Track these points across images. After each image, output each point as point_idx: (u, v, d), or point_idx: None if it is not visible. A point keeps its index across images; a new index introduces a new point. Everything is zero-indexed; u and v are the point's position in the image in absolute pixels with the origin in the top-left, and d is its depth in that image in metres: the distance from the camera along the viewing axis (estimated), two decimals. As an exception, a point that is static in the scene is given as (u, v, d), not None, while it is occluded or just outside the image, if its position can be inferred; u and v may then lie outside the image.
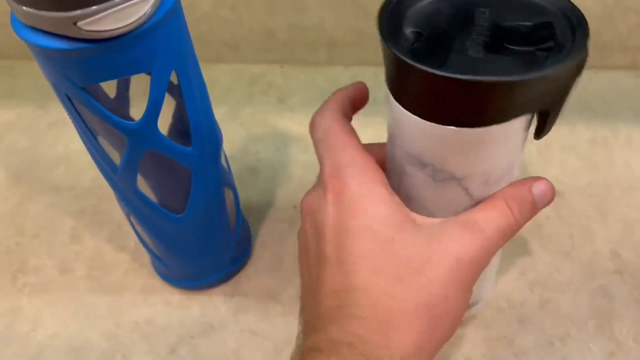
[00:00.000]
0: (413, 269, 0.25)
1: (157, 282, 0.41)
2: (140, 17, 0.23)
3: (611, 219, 0.43)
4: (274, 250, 0.43)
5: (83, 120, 0.27)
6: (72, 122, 0.29)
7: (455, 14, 0.25)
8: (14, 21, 0.24)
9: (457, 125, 0.24)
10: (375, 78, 0.56)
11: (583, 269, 0.40)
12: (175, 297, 0.40)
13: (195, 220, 0.34)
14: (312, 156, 0.49)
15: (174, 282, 0.40)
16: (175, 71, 0.27)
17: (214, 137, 0.32)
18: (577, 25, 0.24)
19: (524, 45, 0.23)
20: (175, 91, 0.29)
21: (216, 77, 0.54)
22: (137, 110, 0.30)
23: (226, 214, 0.36)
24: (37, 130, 0.52)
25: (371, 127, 0.34)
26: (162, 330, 0.39)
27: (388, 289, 0.24)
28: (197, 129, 0.30)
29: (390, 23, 0.24)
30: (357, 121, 0.31)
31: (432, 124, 0.24)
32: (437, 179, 0.27)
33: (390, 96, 0.26)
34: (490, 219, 0.26)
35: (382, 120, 0.28)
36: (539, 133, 0.26)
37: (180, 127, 0.32)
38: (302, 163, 0.49)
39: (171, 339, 0.38)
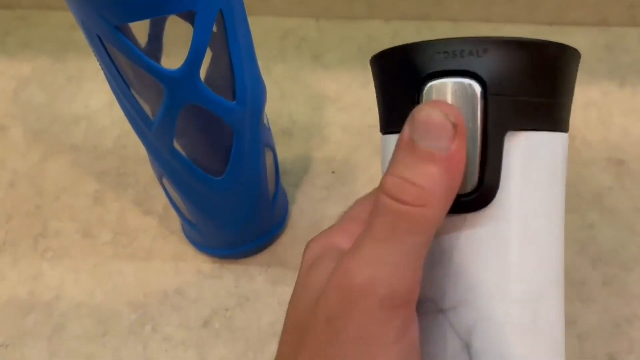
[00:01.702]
0: None
1: (188, 249, 0.38)
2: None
3: (681, 191, 0.39)
4: (311, 217, 0.40)
5: (116, 67, 0.24)
6: (103, 70, 0.25)
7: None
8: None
9: None
10: (418, 33, 0.52)
11: (651, 245, 0.37)
12: (207, 266, 0.37)
13: (234, 183, 0.30)
14: (349, 117, 0.46)
15: (207, 249, 0.37)
16: (221, 11, 0.23)
17: (258, 92, 0.28)
18: None
19: None
20: (215, 40, 0.26)
21: (246, 31, 0.50)
22: (168, 63, 0.27)
23: (266, 177, 0.33)
24: (56, 84, 0.49)
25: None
26: (194, 302, 0.36)
27: None
28: (241, 81, 0.26)
29: None
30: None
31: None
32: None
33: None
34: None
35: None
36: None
37: (218, 82, 0.29)
38: (340, 125, 0.45)
39: (204, 311, 0.35)
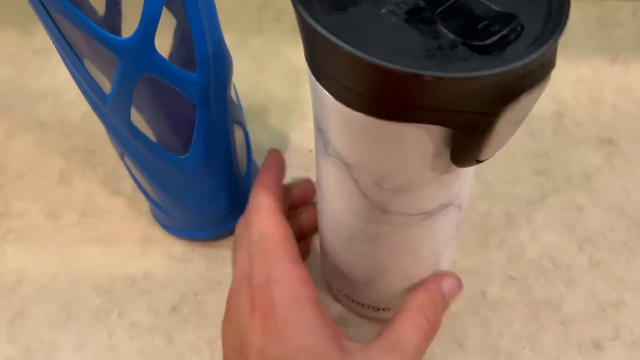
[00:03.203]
0: None
1: (158, 232, 0.36)
2: None
3: (672, 172, 0.38)
4: (288, 198, 0.38)
5: (64, 38, 0.22)
6: (52, 41, 0.23)
7: None
8: None
9: (337, 99, 0.18)
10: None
11: (639, 227, 0.36)
12: (177, 249, 0.36)
13: (200, 162, 0.29)
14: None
15: (177, 232, 0.35)
16: (177, -28, 0.21)
17: (222, 63, 0.26)
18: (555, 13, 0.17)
19: (468, 24, 0.17)
20: (177, 7, 0.24)
21: (221, 0, 0.48)
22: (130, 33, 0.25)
23: (235, 156, 0.31)
24: (21, 58, 0.46)
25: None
26: (163, 286, 0.34)
27: None
28: (202, 51, 0.24)
29: None
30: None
31: (319, 85, 0.19)
32: (329, 152, 0.21)
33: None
34: (410, 336, 0.25)
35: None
36: (455, 159, 0.19)
37: (184, 53, 0.27)
38: (320, 101, 0.43)
39: (173, 296, 0.34)
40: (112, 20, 0.26)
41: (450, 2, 0.17)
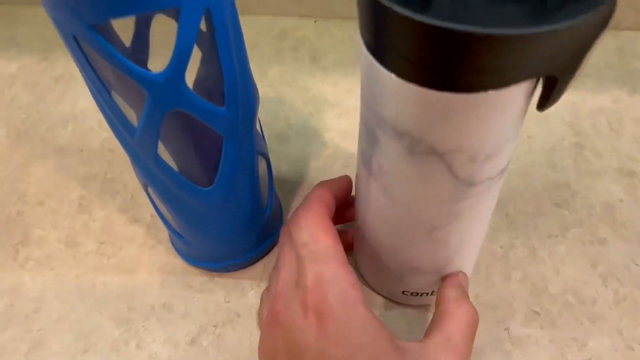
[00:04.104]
0: None
1: (177, 261, 0.36)
2: None
3: (697, 205, 0.37)
4: (307, 228, 0.38)
5: (94, 70, 0.22)
6: (81, 72, 0.23)
7: None
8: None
9: (441, 89, 0.19)
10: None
11: (665, 262, 0.35)
12: (196, 280, 0.35)
13: (224, 194, 0.28)
14: (347, 122, 0.44)
15: (196, 262, 0.35)
16: (209, 8, 0.21)
17: (250, 97, 0.26)
18: None
19: None
20: (204, 40, 0.24)
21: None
22: (156, 65, 0.25)
23: (258, 187, 0.31)
24: (42, 84, 0.47)
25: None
26: (182, 317, 0.34)
27: None
28: (232, 86, 0.24)
29: None
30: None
31: (412, 85, 0.19)
32: (415, 152, 0.22)
33: (364, 48, 0.21)
34: (460, 331, 0.26)
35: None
36: (543, 104, 0.20)
37: (208, 84, 0.27)
38: (337, 130, 0.43)
39: (192, 327, 0.33)
40: (139, 52, 0.26)
41: None
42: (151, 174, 0.27)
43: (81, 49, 0.21)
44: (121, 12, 0.19)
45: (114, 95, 0.25)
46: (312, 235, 0.26)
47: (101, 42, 0.20)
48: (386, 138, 0.22)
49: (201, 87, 0.27)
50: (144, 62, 0.26)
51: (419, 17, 0.17)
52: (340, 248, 0.26)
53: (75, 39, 0.21)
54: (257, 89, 0.27)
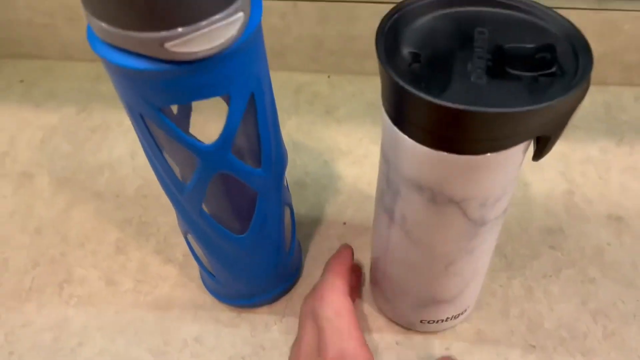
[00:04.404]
0: None
1: (207, 298, 0.40)
2: (228, 39, 0.22)
3: (677, 248, 0.41)
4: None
5: (152, 138, 0.26)
6: (140, 138, 0.28)
7: (454, 33, 0.24)
8: (91, 36, 0.23)
9: (457, 153, 0.23)
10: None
11: (649, 300, 0.39)
12: (225, 315, 0.39)
13: (255, 240, 0.33)
14: (360, 170, 0.48)
15: (224, 299, 0.39)
16: (253, 94, 0.25)
17: (281, 159, 0.31)
18: (581, 50, 0.23)
19: (526, 70, 0.22)
20: (247, 116, 0.28)
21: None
22: (197, 119, 0.29)
23: (283, 233, 0.35)
24: (80, 134, 0.51)
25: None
26: (212, 350, 0.38)
27: None
28: (267, 151, 0.28)
29: (388, 42, 0.23)
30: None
31: (433, 150, 0.23)
32: (437, 202, 0.26)
33: (387, 118, 0.25)
34: None
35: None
36: (538, 156, 0.25)
37: (245, 149, 0.31)
38: (351, 177, 0.47)
39: (221, 359, 0.37)
40: (184, 118, 0.31)
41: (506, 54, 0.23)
42: (194, 223, 0.31)
43: (145, 124, 0.26)
44: (183, 100, 0.24)
45: (165, 154, 0.29)
46: (336, 312, 0.29)
47: (165, 121, 0.24)
48: (408, 191, 0.27)
49: (238, 152, 0.32)
50: (187, 127, 0.31)
51: (430, 98, 0.21)
52: (360, 329, 0.30)
53: (142, 116, 0.25)
54: (286, 151, 0.32)
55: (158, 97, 0.23)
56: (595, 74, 0.53)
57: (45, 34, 0.56)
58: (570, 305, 0.39)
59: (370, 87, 0.54)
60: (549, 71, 0.22)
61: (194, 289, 0.40)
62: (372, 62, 0.56)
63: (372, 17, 0.50)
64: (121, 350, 0.38)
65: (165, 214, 0.45)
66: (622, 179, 0.46)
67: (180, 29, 0.21)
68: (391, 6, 0.25)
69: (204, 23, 0.21)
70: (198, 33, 0.21)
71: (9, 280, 0.42)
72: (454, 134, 0.23)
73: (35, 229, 0.45)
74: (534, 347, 0.37)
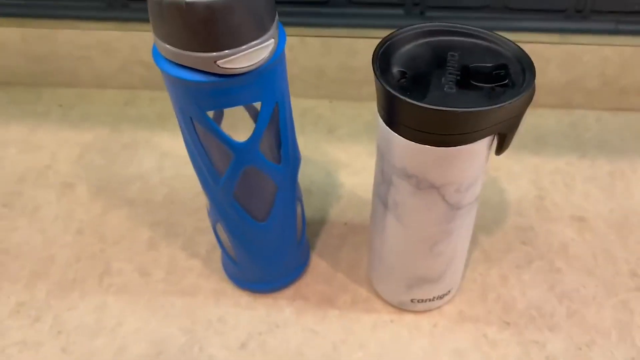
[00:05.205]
0: None
1: (227, 286, 0.46)
2: (262, 59, 0.30)
3: (630, 242, 0.48)
4: (328, 261, 0.48)
5: (198, 138, 0.33)
6: (187, 140, 0.35)
7: (432, 57, 0.32)
8: (156, 55, 0.30)
9: (436, 145, 0.30)
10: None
11: (606, 286, 0.45)
12: (243, 299, 0.45)
13: (274, 227, 0.39)
14: (358, 179, 0.55)
15: (243, 284, 0.45)
16: (278, 102, 0.33)
17: (296, 157, 0.38)
18: (527, 67, 0.30)
19: (486, 82, 0.30)
20: (275, 119, 0.35)
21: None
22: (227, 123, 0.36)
23: (296, 224, 0.42)
24: (113, 150, 0.59)
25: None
26: (233, 328, 0.44)
27: None
28: (286, 149, 0.36)
29: (382, 63, 0.31)
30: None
31: (417, 144, 0.31)
32: (421, 187, 0.33)
33: (381, 121, 0.32)
34: None
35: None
36: (499, 150, 0.32)
37: (268, 148, 0.38)
38: (350, 185, 0.54)
39: (241, 335, 0.43)
40: (218, 118, 0.38)
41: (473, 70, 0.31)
42: (224, 212, 0.38)
43: (193, 125, 0.33)
44: (226, 105, 0.31)
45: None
46: None
47: (210, 122, 0.32)
48: (399, 180, 0.34)
49: (263, 149, 0.39)
50: (220, 121, 0.38)
51: (415, 102, 0.28)
52: None
53: (191, 119, 0.32)
54: (299, 151, 0.39)
55: (207, 102, 0.31)
56: (561, 98, 0.62)
57: (81, 65, 0.64)
58: (539, 290, 0.45)
59: (367, 110, 0.62)
60: (503, 83, 0.30)
61: (216, 279, 0.47)
62: (369, 89, 0.64)
63: (368, 50, 0.58)
64: (154, 329, 0.44)
65: (190, 217, 0.52)
66: (584, 187, 0.53)
67: (227, 51, 0.28)
68: (384, 41, 0.33)
69: (245, 47, 0.29)
70: (241, 54, 0.29)
71: (55, 273, 0.48)
72: (433, 130, 0.30)
73: (76, 230, 0.51)
74: (508, 324, 0.43)
